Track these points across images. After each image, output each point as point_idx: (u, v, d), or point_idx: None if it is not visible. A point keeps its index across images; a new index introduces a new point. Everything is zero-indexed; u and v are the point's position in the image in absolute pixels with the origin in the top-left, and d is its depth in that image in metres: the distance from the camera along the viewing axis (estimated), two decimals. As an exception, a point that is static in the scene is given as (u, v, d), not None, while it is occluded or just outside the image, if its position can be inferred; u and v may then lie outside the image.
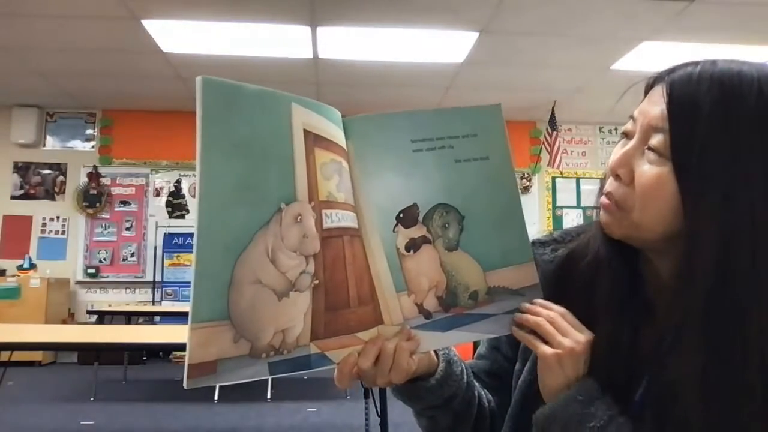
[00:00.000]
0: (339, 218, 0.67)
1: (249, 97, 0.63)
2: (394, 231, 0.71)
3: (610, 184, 0.70)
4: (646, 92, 0.71)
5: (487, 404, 0.85)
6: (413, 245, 0.72)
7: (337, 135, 0.70)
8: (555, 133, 6.53)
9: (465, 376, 0.81)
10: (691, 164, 0.63)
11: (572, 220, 7.48)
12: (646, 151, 0.66)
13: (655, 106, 0.66)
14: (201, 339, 0.58)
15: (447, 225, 0.73)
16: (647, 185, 0.65)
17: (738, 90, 0.63)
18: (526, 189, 7.40)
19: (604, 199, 0.71)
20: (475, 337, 0.74)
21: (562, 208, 7.51)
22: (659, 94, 0.67)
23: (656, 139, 0.65)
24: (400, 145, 0.72)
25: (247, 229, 0.61)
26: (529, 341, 0.72)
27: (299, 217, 0.64)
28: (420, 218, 0.72)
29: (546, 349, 0.69)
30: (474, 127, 0.75)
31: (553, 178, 7.50)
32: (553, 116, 6.51)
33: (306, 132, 0.66)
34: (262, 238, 0.62)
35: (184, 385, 0.57)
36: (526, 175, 7.39)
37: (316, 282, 0.65)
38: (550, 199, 7.53)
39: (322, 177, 0.66)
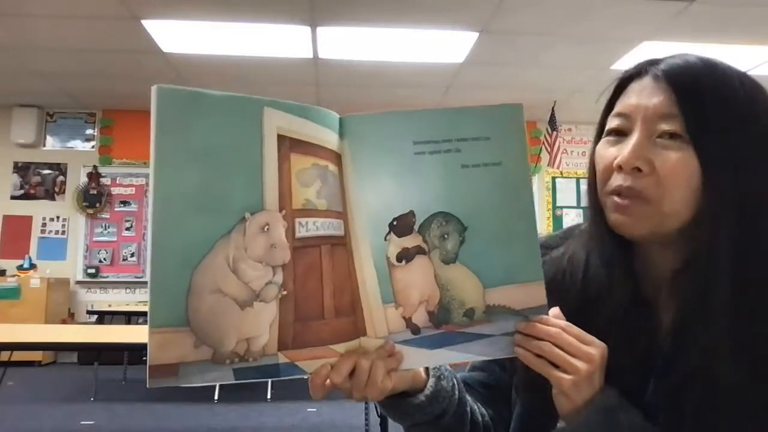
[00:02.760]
0: (317, 227, 0.65)
1: (211, 104, 0.61)
2: (385, 239, 0.67)
3: (625, 179, 0.68)
4: (618, 91, 0.73)
5: (480, 419, 0.82)
6: (406, 255, 0.67)
7: (325, 137, 0.66)
8: (555, 133, 6.52)
9: (456, 392, 0.77)
10: (708, 141, 0.66)
11: (572, 220, 7.48)
12: (658, 139, 0.67)
13: (653, 96, 0.68)
14: (160, 342, 0.58)
15: (446, 236, 0.68)
16: (672, 170, 0.66)
17: (725, 72, 0.68)
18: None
19: (619, 200, 0.68)
20: (466, 357, 0.69)
21: (562, 208, 7.51)
22: (648, 86, 0.69)
23: (670, 125, 0.67)
24: (400, 147, 0.67)
25: (204, 239, 0.60)
26: (539, 367, 0.66)
27: (266, 227, 0.62)
28: (416, 227, 0.67)
29: (560, 376, 0.65)
30: (487, 129, 0.68)
31: (553, 178, 7.50)
32: (553, 116, 6.50)
33: (281, 137, 0.63)
34: (222, 248, 0.60)
35: (147, 384, 0.58)
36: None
37: (284, 293, 0.63)
38: (550, 199, 7.53)
39: (299, 184, 0.64)
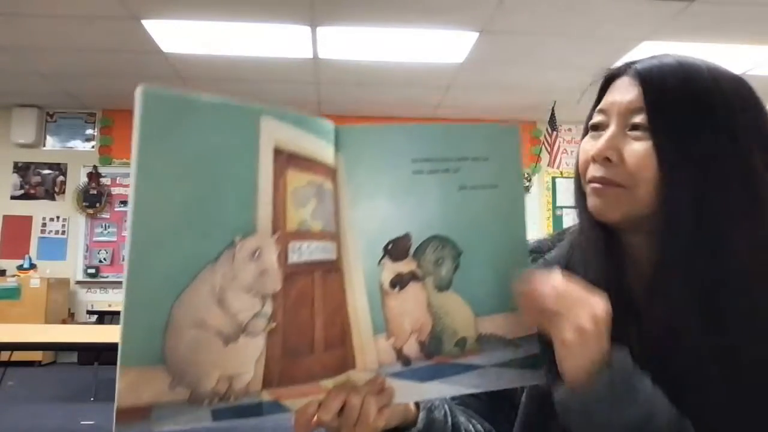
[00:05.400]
0: (311, 251, 0.59)
1: (203, 111, 0.55)
2: (379, 264, 0.63)
3: (598, 169, 0.72)
4: (602, 90, 0.78)
5: None
6: (399, 282, 0.63)
7: (322, 152, 0.61)
8: (555, 133, 6.53)
9: (449, 419, 0.74)
10: (665, 135, 0.68)
11: (572, 220, 7.29)
12: (629, 132, 0.71)
13: (627, 92, 0.72)
14: (132, 382, 0.52)
15: (440, 261, 0.64)
16: (639, 160, 0.69)
17: (698, 72, 0.71)
18: (526, 189, 7.40)
19: (594, 185, 0.72)
20: (457, 390, 0.65)
21: (562, 208, 7.51)
22: (626, 83, 0.73)
23: (639, 118, 0.70)
24: (398, 164, 0.63)
25: (189, 266, 0.53)
26: (541, 324, 0.63)
27: (257, 253, 0.56)
28: (411, 251, 0.64)
29: (563, 333, 0.60)
30: (486, 148, 0.65)
31: (553, 178, 7.50)
32: (553, 116, 6.50)
33: (277, 150, 0.58)
34: (208, 276, 0.54)
35: (113, 431, 0.51)
36: (526, 175, 7.39)
37: (273, 325, 0.57)
38: (550, 199, 7.53)
39: (294, 204, 0.58)
